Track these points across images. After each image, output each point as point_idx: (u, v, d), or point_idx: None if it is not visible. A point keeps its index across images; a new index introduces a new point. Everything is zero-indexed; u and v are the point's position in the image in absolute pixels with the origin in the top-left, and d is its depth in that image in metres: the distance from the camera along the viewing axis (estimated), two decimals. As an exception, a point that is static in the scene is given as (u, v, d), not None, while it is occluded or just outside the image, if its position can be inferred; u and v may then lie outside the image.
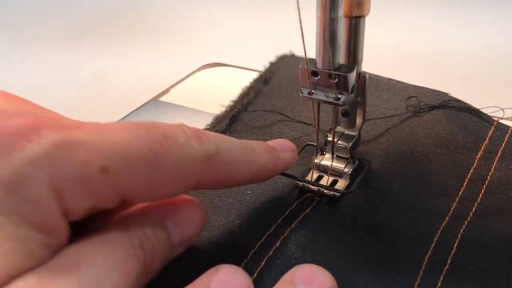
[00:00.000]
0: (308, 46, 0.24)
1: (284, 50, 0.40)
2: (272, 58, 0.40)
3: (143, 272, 0.19)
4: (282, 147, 0.26)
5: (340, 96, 0.25)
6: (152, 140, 0.19)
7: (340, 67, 0.25)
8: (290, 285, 0.20)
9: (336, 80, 0.24)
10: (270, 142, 0.26)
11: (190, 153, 0.20)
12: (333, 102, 0.25)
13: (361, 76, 0.27)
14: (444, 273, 0.22)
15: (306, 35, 0.23)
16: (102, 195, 0.18)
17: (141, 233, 0.20)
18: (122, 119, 0.37)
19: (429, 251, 0.23)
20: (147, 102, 0.39)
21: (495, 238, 0.24)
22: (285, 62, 0.40)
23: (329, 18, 0.23)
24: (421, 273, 0.22)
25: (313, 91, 0.25)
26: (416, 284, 0.22)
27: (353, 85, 0.25)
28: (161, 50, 0.51)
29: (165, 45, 0.53)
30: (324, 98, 0.25)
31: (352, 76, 0.25)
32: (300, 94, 0.26)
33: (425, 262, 0.23)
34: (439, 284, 0.22)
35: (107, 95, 0.42)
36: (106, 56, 0.50)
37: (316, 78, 0.25)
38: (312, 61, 0.25)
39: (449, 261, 0.23)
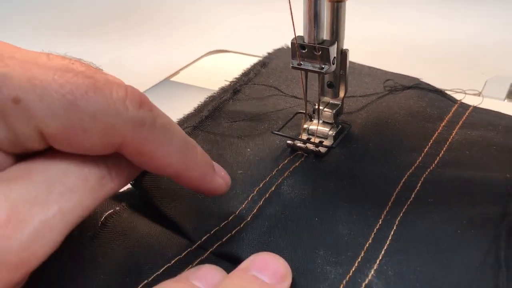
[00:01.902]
0: (298, 27, 0.29)
1: (283, 36, 0.45)
2: (272, 44, 0.45)
3: (108, 179, 0.20)
4: (220, 173, 0.25)
5: (323, 66, 0.30)
6: (77, 84, 0.19)
7: (323, 42, 0.30)
8: (245, 271, 0.22)
9: (320, 52, 0.30)
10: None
11: (120, 111, 0.19)
12: (318, 71, 0.30)
13: (343, 52, 0.32)
14: (408, 204, 0.27)
15: (296, 16, 0.28)
16: (17, 128, 0.18)
17: None
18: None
19: (397, 189, 0.28)
20: (160, 82, 0.45)
21: (451, 181, 0.29)
22: (281, 53, 0.45)
23: (314, 1, 0.28)
24: (389, 204, 0.27)
25: (301, 63, 0.31)
26: (385, 212, 0.27)
27: (334, 57, 0.30)
28: (171, 38, 0.56)
29: (175, 34, 0.58)
30: (310, 68, 0.30)
31: (333, 49, 0.30)
32: (291, 65, 0.31)
33: (393, 197, 0.28)
34: (403, 210, 0.27)
35: (125, 77, 0.48)
36: (124, 44, 0.56)
37: (303, 51, 0.30)
38: (301, 38, 0.30)
39: (413, 195, 0.28)
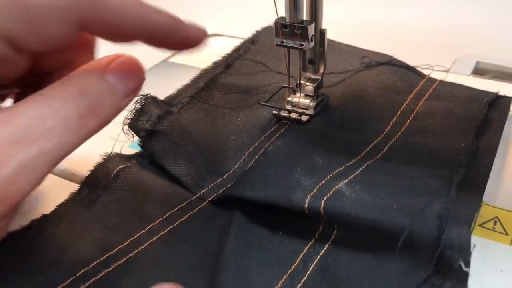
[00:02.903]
0: (281, 9, 0.33)
1: (272, 20, 0.49)
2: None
3: (89, 119, 0.21)
4: (192, 25, 0.25)
5: (303, 43, 0.34)
6: None
7: (302, 22, 0.34)
8: None
9: (300, 31, 0.34)
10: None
11: None
12: (298, 47, 0.34)
13: (321, 31, 0.36)
14: (374, 160, 0.31)
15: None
16: None
17: (80, 85, 0.22)
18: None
19: (366, 150, 0.33)
20: (159, 63, 0.49)
21: (414, 147, 0.33)
22: (268, 31, 0.49)
23: (293, -15, 0.32)
24: (359, 157, 0.32)
25: (284, 40, 0.35)
26: (356, 159, 0.31)
27: (312, 35, 0.34)
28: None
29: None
30: (291, 45, 0.34)
31: (311, 28, 0.34)
32: (275, 42, 0.35)
33: (362, 154, 0.32)
34: (371, 160, 0.31)
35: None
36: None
37: (285, 30, 0.34)
38: (283, 18, 0.34)
39: (379, 155, 0.32)
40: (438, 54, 0.45)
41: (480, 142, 0.34)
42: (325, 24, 0.36)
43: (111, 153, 0.32)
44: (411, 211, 0.24)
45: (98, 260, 0.26)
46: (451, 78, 0.42)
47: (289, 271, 0.25)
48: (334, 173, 0.29)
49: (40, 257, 0.26)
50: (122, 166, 0.31)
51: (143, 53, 0.52)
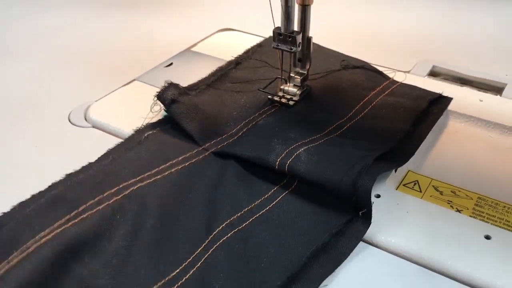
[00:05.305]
0: (277, 20, 0.45)
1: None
2: (265, 24, 0.61)
3: None
4: None
5: (292, 48, 0.46)
6: None
7: (293, 32, 0.46)
8: None
9: (290, 39, 0.46)
10: None
11: None
12: (288, 50, 0.46)
13: (308, 38, 0.48)
14: (335, 134, 0.44)
15: (276, 13, 0.44)
16: None
17: None
18: (164, 62, 0.59)
19: (332, 127, 0.45)
20: (182, 51, 0.61)
21: (368, 125, 0.45)
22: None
23: (286, 5, 0.44)
24: (326, 131, 0.44)
25: (278, 44, 0.47)
26: (324, 133, 0.44)
27: (300, 42, 0.46)
28: (187, 17, 0.73)
29: (194, 13, 0.74)
30: (284, 48, 0.47)
31: (299, 37, 0.46)
32: (272, 46, 0.47)
33: (328, 129, 0.44)
34: (333, 135, 0.43)
35: (155, 46, 0.64)
36: (150, 20, 0.72)
37: (280, 37, 0.46)
38: (279, 28, 0.46)
39: (339, 132, 0.44)
40: (403, 58, 0.57)
41: (418, 128, 0.46)
42: (313, 28, 0.48)
43: (142, 124, 0.46)
44: (344, 170, 0.37)
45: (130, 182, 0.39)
46: (409, 78, 0.54)
47: (261, 198, 0.38)
48: (299, 143, 0.41)
49: None
50: (149, 132, 0.45)
51: (169, 42, 0.65)
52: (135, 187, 0.38)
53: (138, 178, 0.39)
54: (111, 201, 0.37)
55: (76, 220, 0.35)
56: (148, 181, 0.39)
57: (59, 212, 0.35)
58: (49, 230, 0.33)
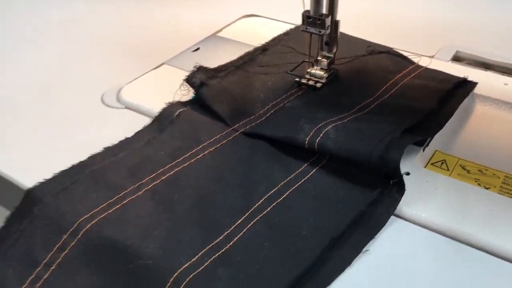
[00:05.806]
0: (307, 3, 0.46)
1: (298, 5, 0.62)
2: (288, 10, 0.62)
3: None
4: None
5: (321, 31, 0.47)
6: None
7: (322, 15, 0.47)
8: None
9: (319, 21, 0.47)
10: None
11: None
12: (317, 33, 0.47)
13: (335, 21, 0.49)
14: (364, 112, 0.45)
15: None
16: None
17: None
18: (191, 47, 0.60)
19: (360, 106, 0.46)
20: (209, 36, 0.62)
21: (395, 104, 0.46)
22: (298, 28, 0.62)
23: (316, -11, 0.45)
24: (355, 109, 0.45)
25: (307, 27, 0.48)
26: (352, 111, 0.45)
27: (328, 25, 0.47)
28: (212, 2, 0.74)
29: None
30: (313, 31, 0.48)
31: (328, 20, 0.47)
32: (301, 29, 0.48)
33: (355, 108, 0.45)
34: (361, 113, 0.45)
35: (182, 31, 0.65)
36: (176, 7, 0.73)
37: (309, 20, 0.47)
38: (308, 11, 0.47)
39: (367, 110, 0.45)
40: (427, 44, 0.58)
41: (445, 107, 0.47)
42: (339, 15, 0.49)
43: (172, 101, 0.48)
44: (373, 143, 0.38)
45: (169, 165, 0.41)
46: (434, 62, 0.55)
47: (295, 172, 0.40)
48: (327, 121, 0.42)
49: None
50: (181, 110, 0.46)
51: (196, 28, 0.66)
52: (172, 172, 0.40)
53: (174, 163, 0.41)
54: (149, 187, 0.38)
55: (118, 206, 0.36)
56: (183, 165, 0.41)
57: (101, 193, 0.37)
58: (91, 214, 0.35)
